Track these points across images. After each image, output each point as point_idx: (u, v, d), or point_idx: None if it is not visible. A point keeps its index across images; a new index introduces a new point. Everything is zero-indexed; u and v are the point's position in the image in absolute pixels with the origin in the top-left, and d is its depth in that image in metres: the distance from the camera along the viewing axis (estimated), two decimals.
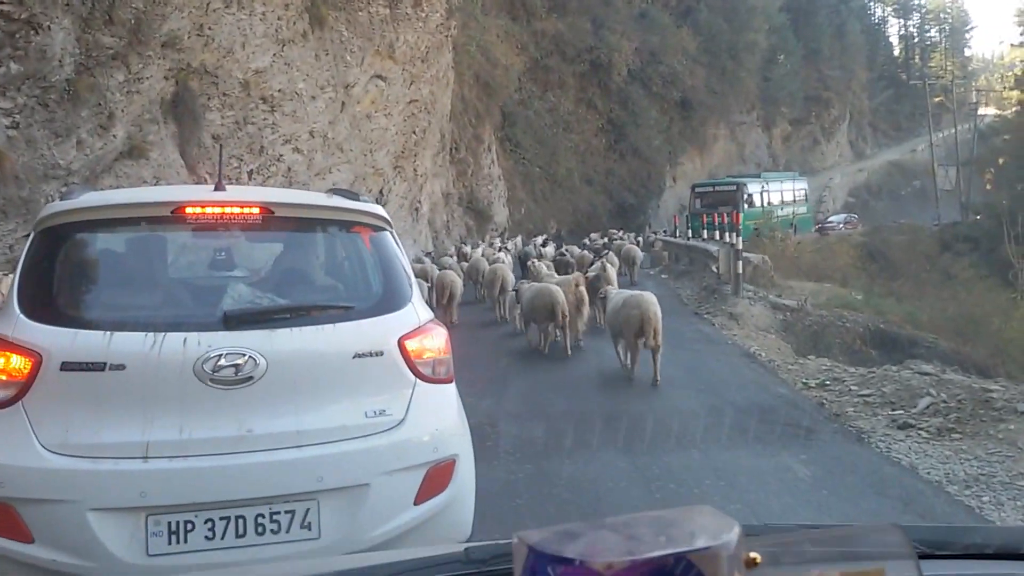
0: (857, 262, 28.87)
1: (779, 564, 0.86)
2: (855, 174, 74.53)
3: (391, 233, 3.61)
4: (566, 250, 20.18)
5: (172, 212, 3.31)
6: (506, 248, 22.97)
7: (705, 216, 33.42)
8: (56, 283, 3.19)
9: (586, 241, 27.44)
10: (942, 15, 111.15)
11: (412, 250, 23.51)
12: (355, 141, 22.19)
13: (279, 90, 18.24)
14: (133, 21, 13.67)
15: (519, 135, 38.25)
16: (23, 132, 11.73)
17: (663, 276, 21.06)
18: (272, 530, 2.93)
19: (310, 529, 2.96)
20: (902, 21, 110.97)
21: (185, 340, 2.97)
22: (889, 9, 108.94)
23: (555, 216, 39.07)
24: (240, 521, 2.90)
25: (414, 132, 25.62)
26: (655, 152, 46.26)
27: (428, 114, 26.15)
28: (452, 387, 3.46)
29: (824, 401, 7.38)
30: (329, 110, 20.55)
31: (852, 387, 7.63)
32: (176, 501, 2.87)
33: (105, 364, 2.91)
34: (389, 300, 3.39)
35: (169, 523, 2.84)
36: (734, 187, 35.07)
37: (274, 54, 18.05)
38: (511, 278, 14.20)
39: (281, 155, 18.60)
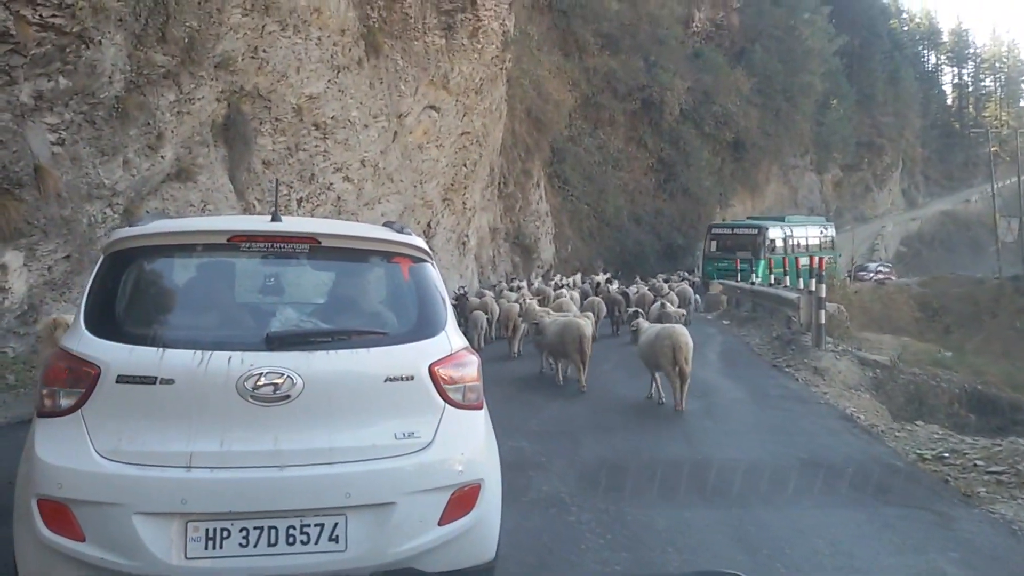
0: (918, 312, 27.53)
1: None
2: (908, 223, 72.90)
3: (431, 264, 3.79)
4: (626, 289, 19.63)
5: (228, 240, 3.55)
6: (568, 284, 22.40)
7: (720, 261, 31.58)
8: (118, 302, 3.46)
9: (637, 279, 26.76)
10: (997, 64, 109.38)
11: (459, 284, 22.80)
12: (405, 172, 21.65)
13: (332, 117, 17.75)
14: (186, 40, 13.22)
15: (568, 171, 37.61)
16: (68, 149, 11.23)
17: (724, 322, 19.95)
18: (302, 541, 3.09)
19: (337, 542, 3.11)
20: (956, 69, 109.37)
21: (230, 359, 3.17)
22: (943, 57, 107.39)
23: (602, 255, 38.25)
24: (272, 531, 3.08)
25: (464, 164, 25.06)
26: (705, 193, 45.35)
27: (479, 147, 25.60)
28: (482, 413, 3.57)
29: (948, 478, 6.39)
30: (381, 139, 20.04)
31: (977, 462, 6.64)
32: (214, 509, 3.04)
33: (156, 378, 3.12)
34: (423, 328, 3.54)
35: (207, 529, 3.03)
36: (755, 230, 32.61)
37: (328, 80, 17.58)
38: (576, 310, 14.51)
39: (331, 183, 18.06)
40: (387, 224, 4.12)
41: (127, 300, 3.50)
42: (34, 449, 3.11)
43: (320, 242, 3.58)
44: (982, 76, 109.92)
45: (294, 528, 3.10)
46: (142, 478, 3.04)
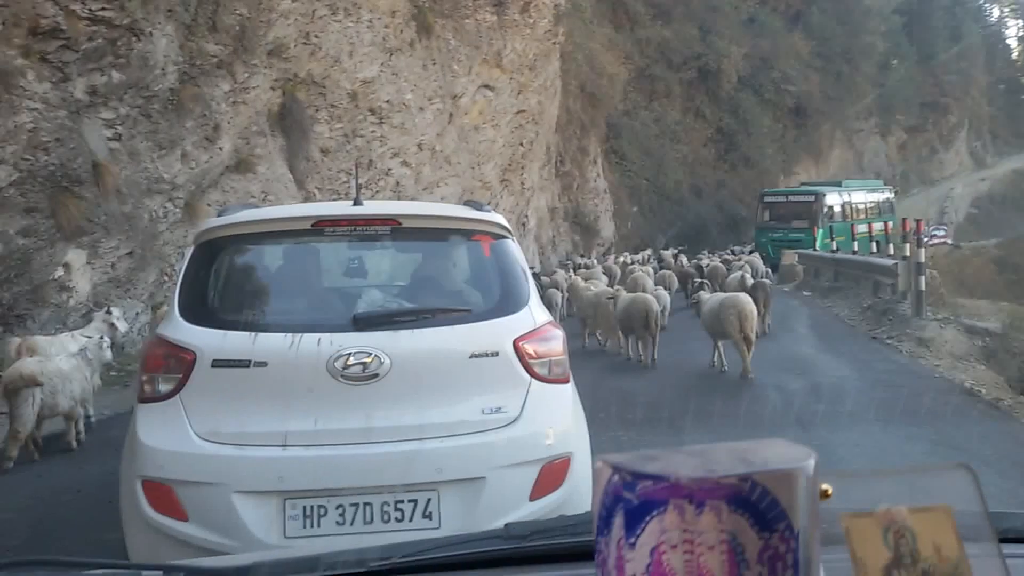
0: (1008, 275, 26.13)
1: (850, 498, 0.87)
2: (977, 184, 70.20)
3: (512, 241, 3.80)
4: (700, 262, 19.20)
5: (312, 226, 3.63)
6: (639, 261, 21.95)
7: (775, 231, 29.62)
8: (210, 289, 3.55)
9: (706, 252, 26.10)
10: None
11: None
12: (463, 153, 21.20)
13: (387, 101, 17.35)
14: (238, 28, 12.91)
15: (624, 147, 36.72)
16: (125, 144, 11.00)
17: (805, 293, 19.00)
18: (396, 518, 3.10)
19: (431, 519, 3.12)
20: (1021, 22, 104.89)
21: (319, 340, 3.22)
22: (1007, 9, 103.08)
23: (663, 230, 37.40)
24: (367, 508, 3.10)
25: (521, 144, 24.52)
26: (768, 162, 44.01)
27: (535, 125, 25.01)
28: (568, 387, 3.55)
29: None
30: (437, 122, 19.60)
31: None
32: (310, 487, 3.10)
33: (250, 361, 3.20)
34: (506, 304, 3.54)
35: (304, 507, 3.08)
36: (812, 197, 30.31)
37: (382, 63, 17.18)
38: (651, 286, 14.61)
39: (390, 169, 17.69)
40: (467, 203, 4.16)
41: (219, 287, 3.60)
42: (136, 433, 3.23)
43: (401, 223, 3.61)
44: None
45: (388, 505, 3.12)
46: (240, 458, 3.14)
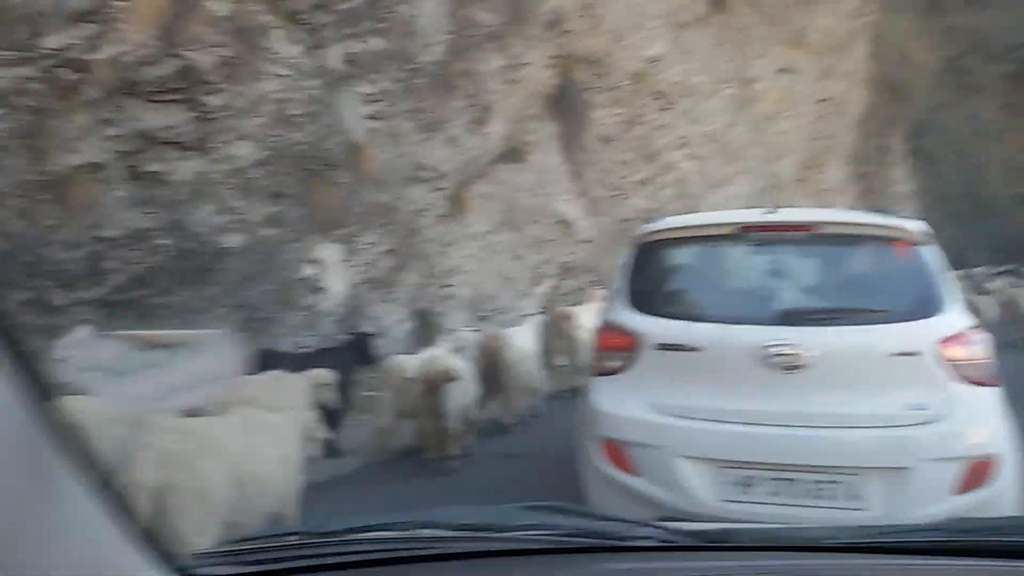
0: None
1: None
2: None
3: (929, 247, 3.90)
4: None
5: (739, 231, 4.08)
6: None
7: None
8: (648, 284, 4.13)
9: None
10: None
11: None
12: (755, 147, 18.41)
13: (674, 83, 15.02)
14: None
15: (933, 147, 31.98)
16: (386, 123, 9.49)
17: None
18: (826, 496, 3.38)
19: (858, 500, 3.36)
20: None
21: (749, 331, 3.65)
22: None
23: (979, 244, 32.06)
24: (797, 484, 3.41)
25: (821, 138, 21.26)
26: None
27: (839, 117, 21.68)
28: (992, 391, 3.58)
29: None
30: (727, 110, 17.03)
31: None
32: (742, 458, 3.50)
33: (688, 346, 3.71)
34: (925, 307, 3.67)
35: (736, 476, 3.49)
36: None
37: (669, 41, 14.88)
38: None
39: (673, 162, 15.33)
40: (879, 211, 4.53)
41: (654, 282, 4.18)
42: (594, 402, 3.89)
43: (818, 230, 3.97)
44: None
45: (817, 483, 3.38)
46: (682, 427, 3.61)
